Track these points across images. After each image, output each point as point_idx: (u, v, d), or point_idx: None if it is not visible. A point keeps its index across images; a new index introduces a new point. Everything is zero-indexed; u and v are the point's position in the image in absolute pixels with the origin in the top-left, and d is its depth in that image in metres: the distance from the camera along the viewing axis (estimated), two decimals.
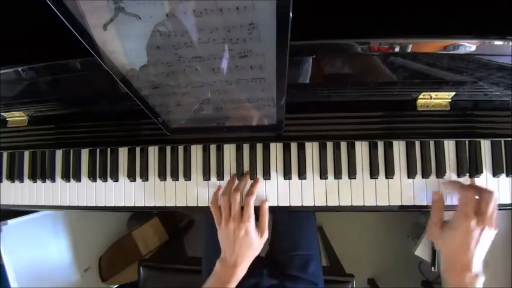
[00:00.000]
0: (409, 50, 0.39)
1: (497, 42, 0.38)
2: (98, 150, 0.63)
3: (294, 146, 0.57)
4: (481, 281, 0.46)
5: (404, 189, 0.55)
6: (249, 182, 0.57)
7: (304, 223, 0.72)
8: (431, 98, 0.52)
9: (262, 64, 0.32)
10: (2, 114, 0.63)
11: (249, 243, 0.50)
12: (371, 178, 0.55)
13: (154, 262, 0.85)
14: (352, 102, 0.54)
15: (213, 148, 0.59)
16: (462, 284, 0.46)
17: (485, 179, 0.54)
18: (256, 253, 0.52)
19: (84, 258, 1.09)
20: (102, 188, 0.63)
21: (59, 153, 0.65)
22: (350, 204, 0.56)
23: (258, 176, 0.57)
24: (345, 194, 0.56)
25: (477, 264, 0.47)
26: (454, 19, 0.40)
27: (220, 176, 0.58)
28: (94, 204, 0.63)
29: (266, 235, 0.53)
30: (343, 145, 0.56)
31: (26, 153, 0.67)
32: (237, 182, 0.56)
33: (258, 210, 0.54)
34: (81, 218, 1.07)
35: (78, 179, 0.63)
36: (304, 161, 0.57)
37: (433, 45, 0.38)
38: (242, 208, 0.52)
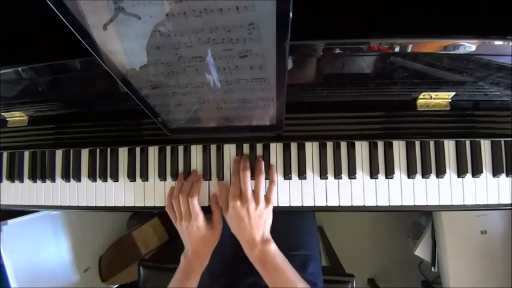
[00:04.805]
0: (409, 50, 0.38)
1: (497, 42, 0.38)
2: (98, 150, 0.63)
3: (294, 146, 0.57)
4: (271, 247, 0.51)
5: (404, 189, 0.55)
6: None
7: (304, 223, 0.72)
8: (431, 98, 0.52)
9: (262, 64, 0.32)
10: (2, 114, 0.63)
11: (201, 237, 0.55)
12: (371, 178, 0.55)
13: (154, 262, 0.85)
14: (352, 102, 0.54)
15: (213, 148, 0.59)
16: (257, 259, 0.50)
17: (485, 179, 0.54)
18: (214, 243, 0.56)
19: (84, 258, 1.09)
20: (102, 188, 0.63)
21: (59, 153, 0.65)
22: (350, 204, 0.56)
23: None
24: (345, 194, 0.56)
25: (260, 236, 0.51)
26: (454, 19, 0.40)
27: (220, 176, 0.58)
28: (94, 204, 0.63)
29: (219, 227, 0.56)
30: (343, 145, 0.56)
31: (26, 153, 0.67)
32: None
33: None
34: (81, 218, 1.07)
35: (78, 179, 0.63)
36: (304, 161, 0.57)
37: (433, 45, 0.38)
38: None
